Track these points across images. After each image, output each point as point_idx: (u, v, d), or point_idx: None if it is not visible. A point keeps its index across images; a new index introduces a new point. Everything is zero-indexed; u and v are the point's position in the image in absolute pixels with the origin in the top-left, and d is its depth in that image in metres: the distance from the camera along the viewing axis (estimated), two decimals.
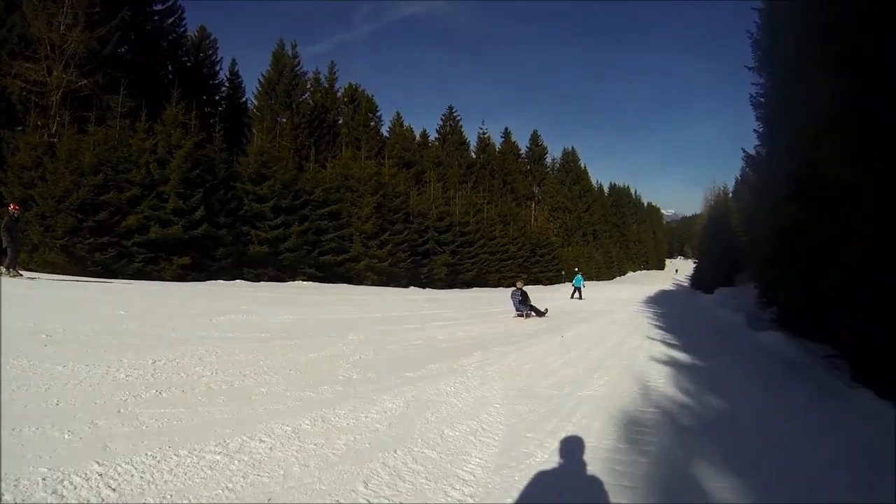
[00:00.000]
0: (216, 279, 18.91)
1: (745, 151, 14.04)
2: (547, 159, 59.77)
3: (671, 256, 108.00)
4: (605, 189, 75.16)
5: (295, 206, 22.54)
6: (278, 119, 28.86)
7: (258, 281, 20.28)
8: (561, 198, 57.79)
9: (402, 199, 26.85)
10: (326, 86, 32.40)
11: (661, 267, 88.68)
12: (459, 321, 10.47)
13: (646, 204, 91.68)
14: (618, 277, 64.59)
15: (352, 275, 24.33)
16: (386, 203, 25.71)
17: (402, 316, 10.43)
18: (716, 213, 37.69)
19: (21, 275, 10.99)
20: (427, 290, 25.96)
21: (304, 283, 21.92)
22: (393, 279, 25.43)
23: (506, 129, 54.82)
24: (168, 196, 18.30)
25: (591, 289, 36.11)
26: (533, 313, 12.66)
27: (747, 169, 14.70)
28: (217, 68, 29.68)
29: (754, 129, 13.86)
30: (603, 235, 65.07)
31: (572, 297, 24.24)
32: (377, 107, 38.12)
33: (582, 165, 64.00)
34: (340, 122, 33.93)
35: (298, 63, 30.29)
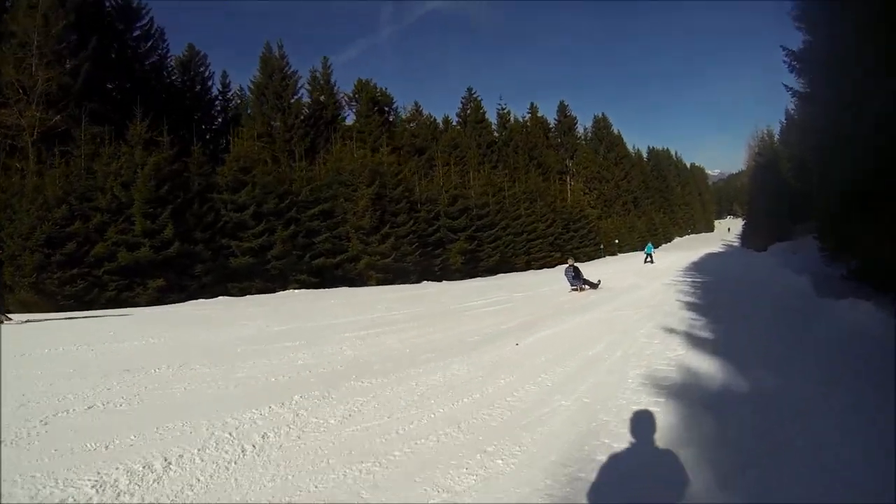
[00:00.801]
0: (197, 298, 16.89)
1: (785, 49, 9.78)
2: (577, 130, 54.44)
3: (720, 217, 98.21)
4: (644, 154, 68.42)
5: (280, 210, 20.22)
6: (271, 123, 26.72)
7: (244, 295, 18.14)
8: (595, 167, 52.36)
9: (405, 186, 23.79)
10: (322, 83, 29.83)
11: (711, 229, 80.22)
12: (403, 326, 7.33)
13: (688, 165, 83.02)
14: (664, 245, 58.38)
15: (353, 276, 21.70)
16: (386, 193, 22.82)
17: (327, 325, 7.46)
18: (763, 160, 31.79)
19: (10, 318, 9.25)
20: (443, 283, 22.92)
21: (297, 291, 19.52)
22: (400, 275, 22.56)
23: (531, 104, 50.44)
24: (135, 218, 16.46)
25: (627, 261, 31.65)
26: (587, 287, 12.74)
27: (794, 75, 10.32)
28: (210, 83, 28.13)
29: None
30: (645, 202, 58.77)
31: (645, 262, 26.01)
32: (392, 100, 35.83)
33: (615, 131, 57.95)
34: (341, 117, 31.40)
35: (287, 64, 27.94)
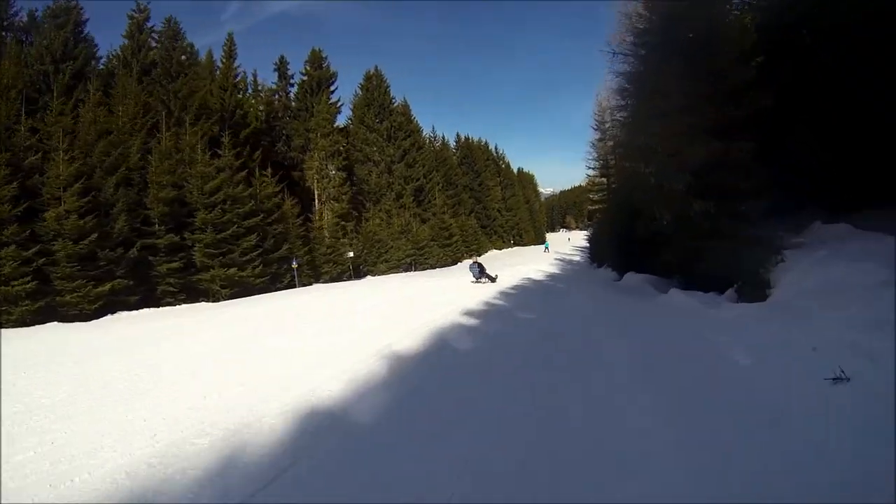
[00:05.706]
0: None
1: None
2: (335, 91, 34.58)
3: (553, 230, 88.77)
4: (452, 142, 52.26)
5: None
6: None
7: None
8: (346, 138, 33.32)
9: None
10: None
11: (542, 241, 67.91)
12: None
13: (515, 170, 69.52)
14: (466, 260, 41.76)
15: None
16: None
17: None
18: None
19: None
20: None
21: None
22: None
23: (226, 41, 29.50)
24: None
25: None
26: (486, 280, 14.15)
27: None
28: None
29: None
30: (439, 199, 41.33)
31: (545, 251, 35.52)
32: None
33: (401, 100, 39.17)
34: None
35: None
